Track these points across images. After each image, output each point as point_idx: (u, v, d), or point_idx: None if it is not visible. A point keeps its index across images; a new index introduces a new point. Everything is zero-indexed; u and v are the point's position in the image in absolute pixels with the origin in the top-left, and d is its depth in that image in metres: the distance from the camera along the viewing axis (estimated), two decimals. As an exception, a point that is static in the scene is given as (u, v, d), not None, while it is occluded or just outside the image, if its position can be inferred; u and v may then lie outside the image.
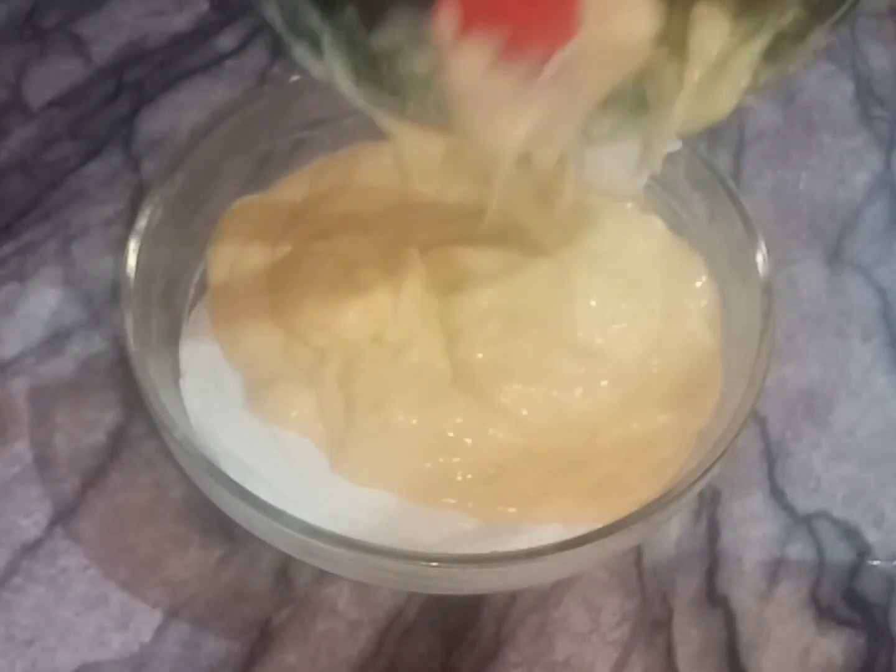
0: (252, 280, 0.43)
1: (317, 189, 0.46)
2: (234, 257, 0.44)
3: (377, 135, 0.47)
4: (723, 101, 0.33)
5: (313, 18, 0.32)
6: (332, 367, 0.41)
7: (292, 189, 0.46)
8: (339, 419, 0.40)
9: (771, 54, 0.33)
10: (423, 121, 0.34)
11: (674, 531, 0.43)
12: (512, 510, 0.39)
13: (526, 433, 0.40)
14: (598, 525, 0.35)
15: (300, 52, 0.33)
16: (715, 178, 0.42)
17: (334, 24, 0.32)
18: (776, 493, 0.44)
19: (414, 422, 0.39)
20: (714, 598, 0.42)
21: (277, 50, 0.56)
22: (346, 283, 0.42)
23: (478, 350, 0.41)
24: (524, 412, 0.40)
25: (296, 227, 0.45)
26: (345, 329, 0.41)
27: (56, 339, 0.46)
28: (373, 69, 0.33)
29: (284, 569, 0.41)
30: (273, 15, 0.32)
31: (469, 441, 0.40)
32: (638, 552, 0.42)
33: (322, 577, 0.41)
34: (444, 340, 0.42)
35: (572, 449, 0.40)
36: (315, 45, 0.33)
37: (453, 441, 0.39)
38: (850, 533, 0.44)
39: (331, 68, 0.33)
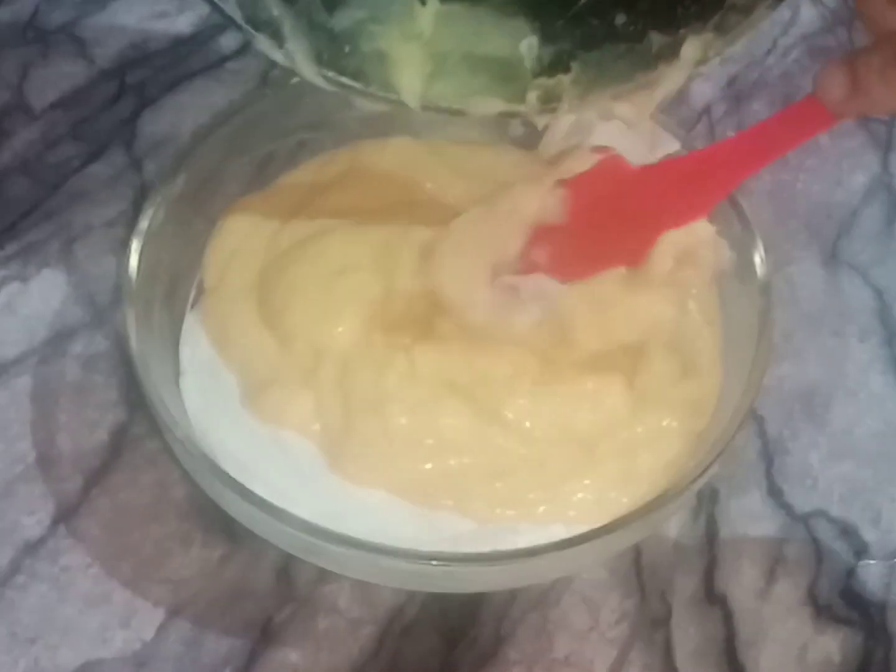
0: (245, 282, 0.43)
1: (315, 187, 0.46)
2: (228, 259, 0.44)
3: (377, 134, 0.47)
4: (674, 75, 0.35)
5: (274, 7, 0.33)
6: (329, 369, 0.41)
7: (290, 188, 0.46)
8: (337, 420, 0.40)
9: (721, 26, 0.34)
10: (384, 101, 0.35)
11: (672, 530, 0.43)
12: (511, 513, 0.39)
13: (529, 443, 0.40)
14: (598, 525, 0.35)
15: (262, 42, 0.34)
16: (713, 179, 0.42)
17: (294, 10, 0.33)
18: (774, 492, 0.44)
19: (413, 423, 0.39)
20: (712, 597, 0.42)
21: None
22: (336, 290, 0.42)
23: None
24: (528, 424, 0.40)
25: (291, 227, 0.44)
26: (333, 340, 0.41)
27: (59, 340, 0.46)
28: (335, 52, 0.34)
29: (286, 567, 0.41)
30: (233, 11, 0.33)
31: (468, 443, 0.39)
32: (637, 551, 0.42)
33: (323, 575, 0.41)
34: (444, 344, 0.41)
35: (574, 455, 0.40)
36: (276, 36, 0.34)
37: (452, 443, 0.39)
38: (847, 531, 0.44)
39: (292, 55, 0.34)
